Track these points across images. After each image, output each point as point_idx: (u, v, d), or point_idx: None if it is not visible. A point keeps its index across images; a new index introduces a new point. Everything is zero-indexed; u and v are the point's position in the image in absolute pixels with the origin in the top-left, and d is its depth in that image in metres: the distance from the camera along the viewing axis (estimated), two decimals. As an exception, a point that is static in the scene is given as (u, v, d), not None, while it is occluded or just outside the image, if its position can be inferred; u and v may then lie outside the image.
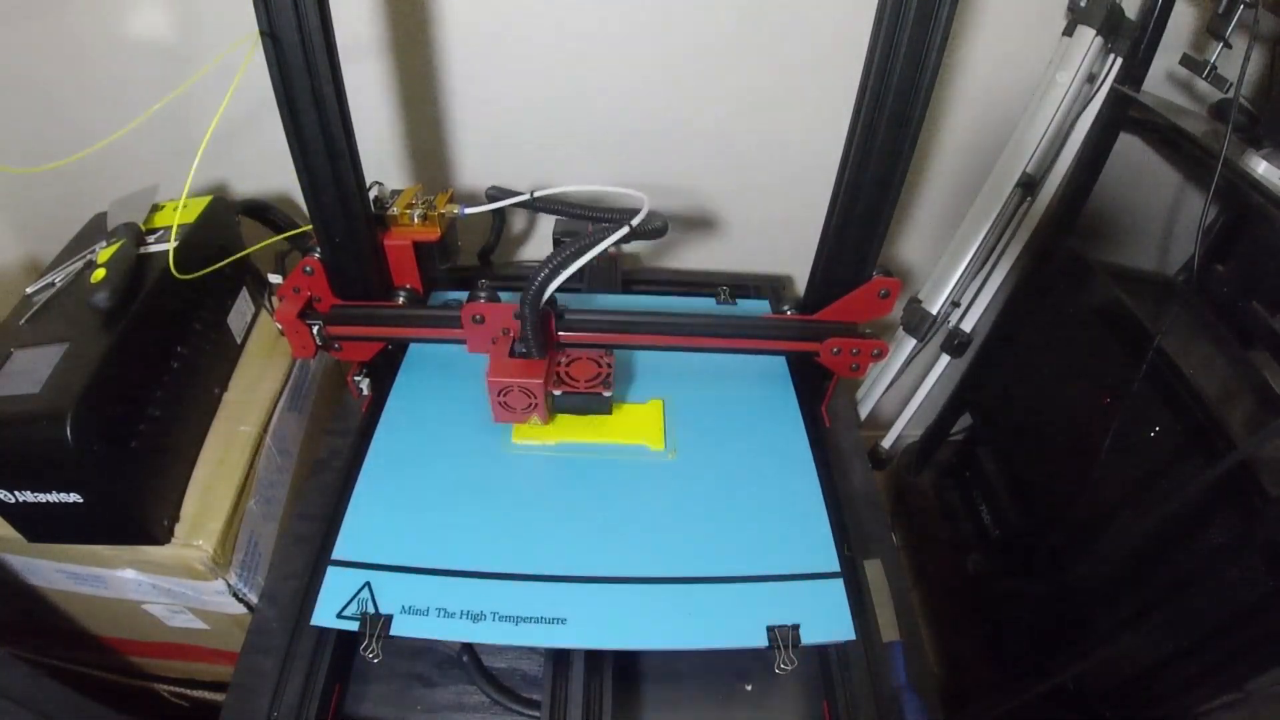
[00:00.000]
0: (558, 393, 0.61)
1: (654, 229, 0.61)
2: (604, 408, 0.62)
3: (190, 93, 0.78)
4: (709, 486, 0.59)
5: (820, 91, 0.79)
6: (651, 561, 0.53)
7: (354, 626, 0.49)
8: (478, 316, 0.63)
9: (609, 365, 0.62)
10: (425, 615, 0.49)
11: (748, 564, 0.53)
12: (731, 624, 0.50)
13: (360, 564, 0.52)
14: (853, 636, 0.50)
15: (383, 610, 0.49)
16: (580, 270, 0.81)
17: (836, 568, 0.54)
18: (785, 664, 0.48)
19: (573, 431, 0.62)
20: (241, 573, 0.64)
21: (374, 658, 0.48)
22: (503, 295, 0.77)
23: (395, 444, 0.61)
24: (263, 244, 0.75)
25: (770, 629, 0.49)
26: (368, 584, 0.51)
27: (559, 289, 0.59)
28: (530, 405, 0.60)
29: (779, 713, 0.55)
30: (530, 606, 0.50)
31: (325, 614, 0.49)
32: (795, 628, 0.50)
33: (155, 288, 0.63)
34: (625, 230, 0.58)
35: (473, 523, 0.55)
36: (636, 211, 0.60)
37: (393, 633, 0.48)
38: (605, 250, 0.58)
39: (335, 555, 0.53)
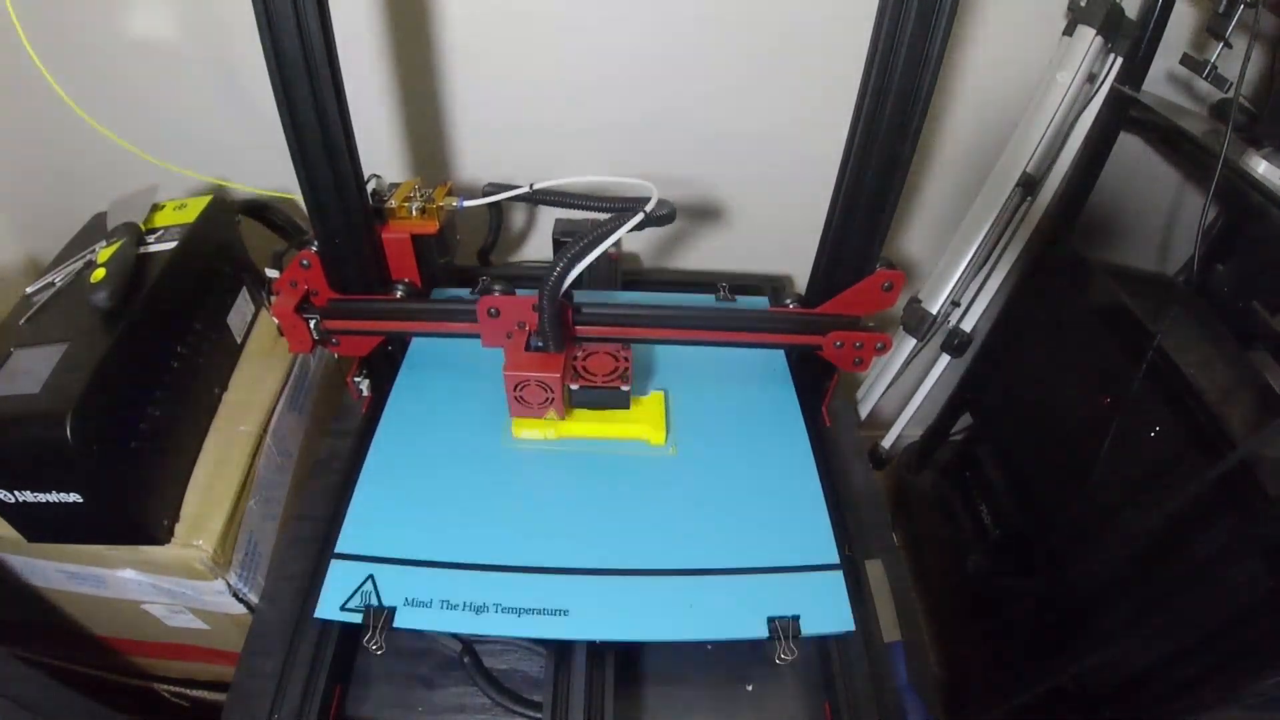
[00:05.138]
0: (575, 387, 0.60)
1: (664, 215, 0.61)
2: (622, 402, 0.61)
3: (191, 92, 0.79)
4: (709, 481, 0.60)
5: (822, 87, 0.79)
6: (653, 554, 0.54)
7: (357, 619, 0.49)
8: (493, 310, 0.61)
9: (627, 360, 0.62)
10: (428, 607, 0.49)
11: (748, 556, 0.54)
12: (732, 615, 0.51)
13: (363, 557, 0.52)
14: (852, 628, 0.51)
15: (386, 603, 0.49)
16: (582, 271, 0.81)
17: (836, 560, 0.54)
18: (785, 654, 0.48)
19: (574, 426, 0.62)
20: (241, 573, 0.64)
21: (377, 649, 0.48)
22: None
23: (397, 440, 0.62)
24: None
25: (771, 620, 0.50)
26: (371, 577, 0.51)
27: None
28: (547, 400, 0.59)
29: (780, 713, 0.55)
30: (532, 598, 0.50)
31: (329, 607, 0.50)
32: (795, 619, 0.50)
33: (155, 288, 0.63)
34: (640, 216, 0.58)
35: (475, 517, 0.56)
36: (641, 199, 0.59)
37: (396, 625, 0.49)
38: (619, 239, 0.58)
39: (338, 549, 0.53)
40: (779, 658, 0.48)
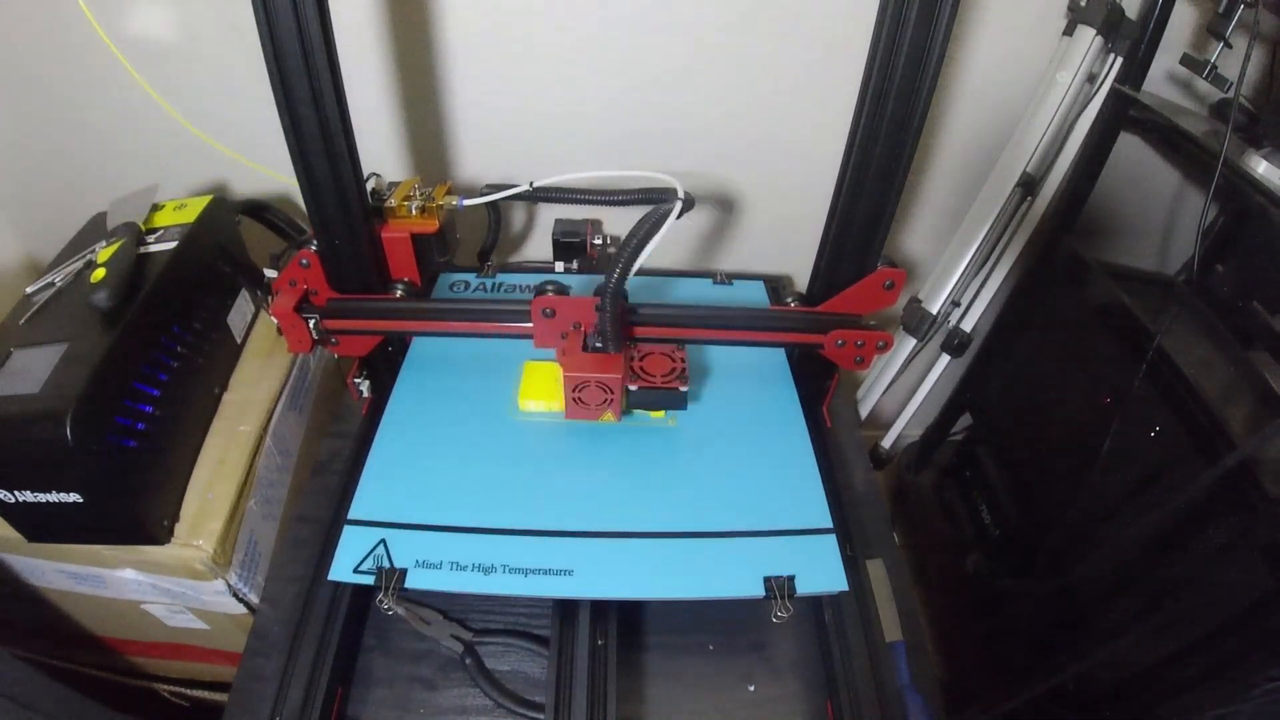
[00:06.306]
0: (634, 388, 0.60)
1: (690, 201, 0.61)
2: (680, 403, 0.61)
3: (190, 92, 0.78)
4: (707, 450, 0.62)
5: (822, 87, 0.79)
6: (654, 518, 0.56)
7: (370, 580, 0.50)
8: (548, 310, 0.61)
9: (683, 360, 0.62)
10: (438, 569, 0.51)
11: (745, 520, 0.56)
12: (730, 575, 0.53)
13: (375, 523, 0.54)
14: (845, 588, 0.53)
15: (397, 565, 0.51)
16: (581, 266, 0.81)
17: (829, 524, 0.56)
18: (781, 612, 0.51)
19: None
20: (241, 573, 0.64)
21: (388, 610, 0.50)
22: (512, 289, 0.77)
23: (407, 414, 0.64)
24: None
25: (767, 579, 0.52)
26: (383, 541, 0.53)
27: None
28: (606, 400, 0.60)
29: (782, 713, 0.55)
30: (539, 559, 0.52)
31: (342, 569, 0.51)
32: (790, 579, 0.52)
33: (155, 288, 0.63)
34: (681, 203, 0.58)
35: (483, 484, 0.58)
36: (639, 190, 0.59)
37: (407, 585, 0.50)
38: (665, 230, 0.57)
39: (351, 515, 0.54)
40: (775, 616, 0.50)
